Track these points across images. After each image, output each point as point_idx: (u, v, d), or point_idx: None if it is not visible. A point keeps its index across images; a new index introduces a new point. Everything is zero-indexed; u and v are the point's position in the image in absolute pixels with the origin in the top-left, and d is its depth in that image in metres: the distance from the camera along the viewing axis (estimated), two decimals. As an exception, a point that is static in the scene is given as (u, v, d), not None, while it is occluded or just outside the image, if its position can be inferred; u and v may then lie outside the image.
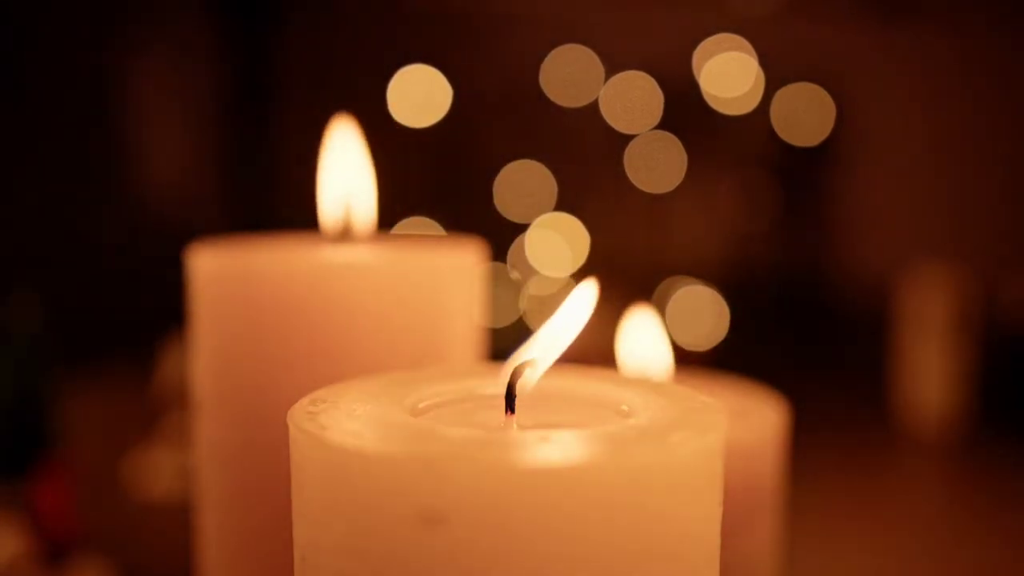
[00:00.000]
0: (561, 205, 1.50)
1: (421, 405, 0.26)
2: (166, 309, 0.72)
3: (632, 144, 1.52)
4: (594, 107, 1.53)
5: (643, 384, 0.28)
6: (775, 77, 1.53)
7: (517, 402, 0.26)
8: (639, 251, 1.53)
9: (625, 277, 1.47)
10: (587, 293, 0.27)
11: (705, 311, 1.44)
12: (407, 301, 0.35)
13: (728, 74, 1.53)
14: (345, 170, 0.40)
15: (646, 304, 0.41)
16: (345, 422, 0.23)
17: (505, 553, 0.21)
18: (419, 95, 1.51)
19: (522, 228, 1.49)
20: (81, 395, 0.86)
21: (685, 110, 1.53)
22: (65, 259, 1.31)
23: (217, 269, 0.36)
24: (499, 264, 1.43)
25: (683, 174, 1.53)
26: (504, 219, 1.52)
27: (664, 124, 1.52)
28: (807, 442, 0.55)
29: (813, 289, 1.61)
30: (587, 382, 0.28)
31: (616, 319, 0.41)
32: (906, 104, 1.54)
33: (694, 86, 1.53)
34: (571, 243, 1.48)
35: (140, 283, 1.22)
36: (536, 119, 1.56)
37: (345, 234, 0.40)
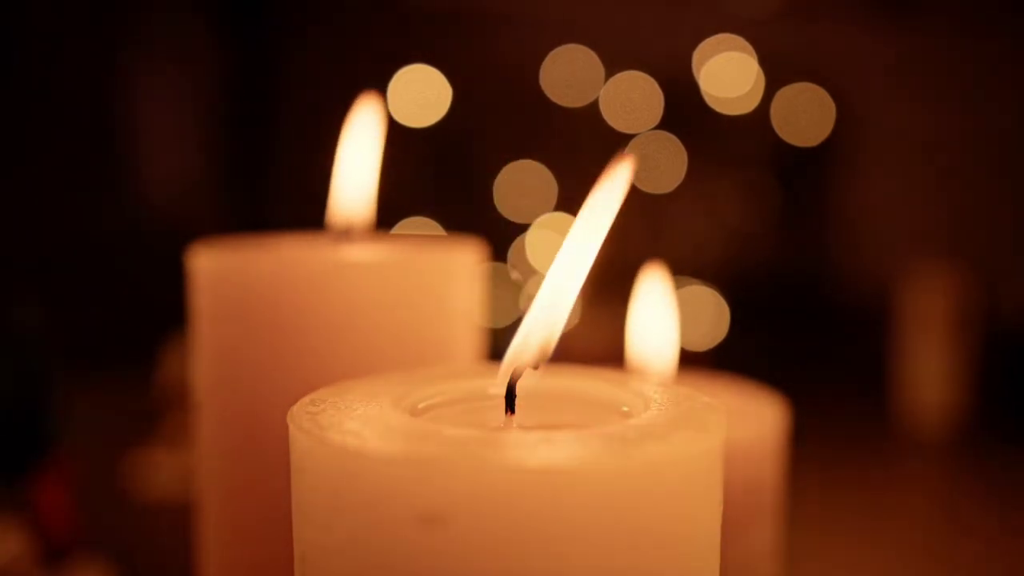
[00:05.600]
0: (561, 205, 1.50)
1: (421, 405, 0.26)
2: (166, 309, 0.72)
3: (632, 144, 1.52)
4: (594, 107, 1.53)
5: (643, 384, 0.28)
6: (775, 77, 1.53)
7: (517, 402, 0.26)
8: (639, 251, 1.53)
9: (625, 277, 1.46)
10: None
11: (705, 311, 1.44)
12: (407, 301, 0.35)
13: (728, 74, 1.53)
14: (355, 162, 0.40)
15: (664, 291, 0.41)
16: (345, 422, 0.23)
17: (505, 553, 0.21)
18: (419, 95, 1.51)
19: (522, 228, 1.49)
20: (81, 395, 0.86)
21: (685, 110, 1.53)
22: (65, 259, 1.31)
23: (217, 269, 0.36)
24: (499, 264, 1.43)
25: (683, 174, 1.53)
26: (504, 219, 1.52)
27: (664, 124, 1.52)
28: (807, 442, 0.55)
29: (813, 289, 1.61)
30: (587, 382, 0.28)
31: (617, 319, 0.41)
32: (906, 104, 1.54)
33: (694, 86, 1.53)
34: (571, 243, 1.48)
35: (140, 283, 1.22)
36: (536, 119, 1.56)
37: (345, 234, 0.40)
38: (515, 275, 1.44)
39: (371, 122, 0.40)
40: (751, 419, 0.38)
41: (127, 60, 1.50)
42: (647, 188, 1.53)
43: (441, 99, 1.52)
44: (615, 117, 1.53)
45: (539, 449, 0.22)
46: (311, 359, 0.34)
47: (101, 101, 1.47)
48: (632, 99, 1.53)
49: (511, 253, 1.47)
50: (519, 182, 1.53)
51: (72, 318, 1.01)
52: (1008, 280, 1.33)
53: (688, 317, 1.43)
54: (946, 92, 1.50)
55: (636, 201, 1.54)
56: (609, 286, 1.40)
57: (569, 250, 0.26)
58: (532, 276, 1.44)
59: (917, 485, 0.96)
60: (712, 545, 0.24)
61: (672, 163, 1.53)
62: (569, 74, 1.53)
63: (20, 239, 1.31)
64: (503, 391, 0.26)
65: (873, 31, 1.51)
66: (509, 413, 0.26)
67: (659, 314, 0.40)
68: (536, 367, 0.26)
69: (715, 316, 1.44)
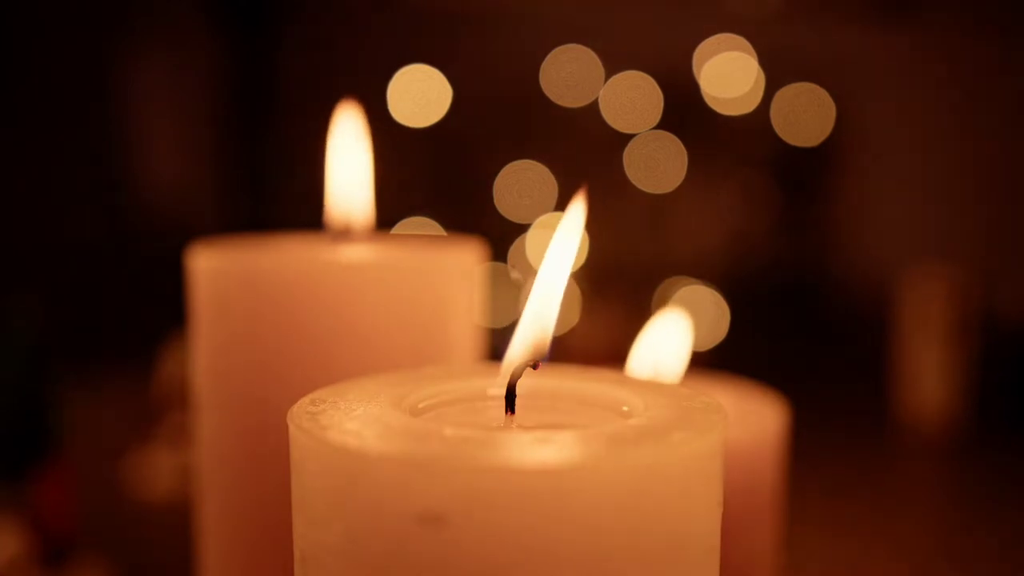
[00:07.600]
0: (561, 205, 1.49)
1: (421, 405, 0.26)
2: (166, 309, 0.72)
3: (632, 144, 1.52)
4: (594, 107, 1.53)
5: (643, 384, 0.28)
6: (775, 77, 1.53)
7: (517, 402, 0.26)
8: (639, 251, 1.53)
9: (625, 277, 1.47)
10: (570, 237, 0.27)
11: (705, 311, 1.44)
12: (407, 301, 0.35)
13: (728, 74, 1.53)
14: (346, 165, 0.40)
15: (673, 309, 0.41)
16: (345, 422, 0.23)
17: (505, 553, 0.21)
18: (419, 95, 1.51)
19: (522, 228, 1.49)
20: (81, 395, 0.86)
21: (685, 110, 1.53)
22: (65, 260, 1.31)
23: (217, 269, 0.36)
24: (499, 264, 1.43)
25: (683, 174, 1.53)
26: (504, 219, 1.52)
27: (664, 124, 1.52)
28: (807, 442, 0.55)
29: (813, 289, 1.61)
30: (587, 382, 0.28)
31: (617, 319, 0.41)
32: (906, 104, 1.54)
33: (694, 86, 1.53)
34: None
35: (140, 283, 1.22)
36: (536, 119, 1.56)
37: (345, 234, 0.40)
38: (515, 275, 1.44)
39: (354, 127, 0.40)
40: (751, 419, 0.38)
41: (126, 58, 1.50)
42: (647, 188, 1.53)
43: (441, 99, 1.52)
44: (615, 117, 1.53)
45: (538, 449, 0.22)
46: (311, 359, 0.34)
47: (100, 100, 1.47)
48: (632, 99, 1.53)
49: (511, 253, 1.47)
50: (519, 182, 1.53)
51: (72, 318, 1.01)
52: (1007, 281, 1.33)
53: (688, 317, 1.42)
54: (946, 93, 1.50)
55: (636, 201, 1.54)
56: (609, 286, 1.40)
57: (557, 249, 0.27)
58: (532, 276, 1.44)
59: (916, 485, 0.96)
60: (712, 545, 0.24)
61: (672, 163, 1.53)
62: (569, 74, 1.53)
63: (19, 239, 1.31)
64: (503, 391, 0.26)
65: (873, 31, 1.51)
66: (509, 413, 0.26)
67: (674, 334, 0.40)
68: (536, 366, 0.26)
69: (715, 316, 1.44)
